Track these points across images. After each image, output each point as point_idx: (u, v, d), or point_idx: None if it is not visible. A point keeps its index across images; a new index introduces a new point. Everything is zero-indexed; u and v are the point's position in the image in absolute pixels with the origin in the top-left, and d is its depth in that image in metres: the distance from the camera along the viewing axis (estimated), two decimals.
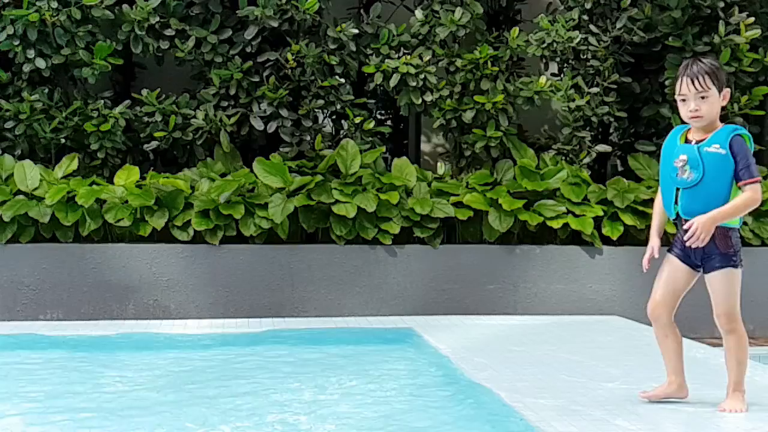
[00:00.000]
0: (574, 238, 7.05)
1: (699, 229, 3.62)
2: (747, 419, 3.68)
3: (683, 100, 3.76)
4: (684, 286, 3.85)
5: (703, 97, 3.71)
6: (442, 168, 7.38)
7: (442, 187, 7.06)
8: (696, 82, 3.71)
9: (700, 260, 3.78)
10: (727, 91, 3.77)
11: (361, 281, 6.77)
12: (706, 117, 3.72)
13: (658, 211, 3.95)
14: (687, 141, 3.79)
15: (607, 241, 7.03)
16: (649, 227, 7.04)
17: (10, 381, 4.53)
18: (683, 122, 3.84)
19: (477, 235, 7.05)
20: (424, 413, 3.92)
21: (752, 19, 7.33)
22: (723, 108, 3.86)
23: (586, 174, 7.27)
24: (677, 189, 3.75)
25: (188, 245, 6.63)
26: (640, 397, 3.92)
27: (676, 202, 3.77)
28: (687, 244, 3.68)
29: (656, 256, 3.85)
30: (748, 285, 6.98)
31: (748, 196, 3.63)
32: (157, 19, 7.06)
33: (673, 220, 3.84)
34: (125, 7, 7.06)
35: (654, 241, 3.90)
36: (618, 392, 4.13)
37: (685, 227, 3.69)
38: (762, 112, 7.49)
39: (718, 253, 3.73)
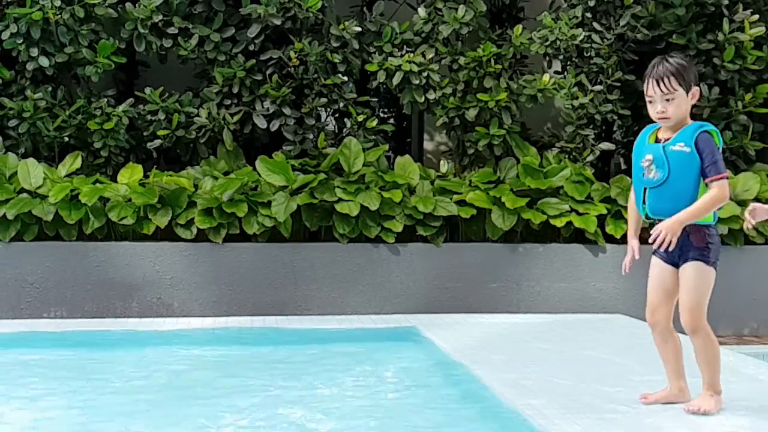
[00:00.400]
0: (578, 236, 7.05)
1: (664, 231, 3.57)
2: (752, 419, 3.67)
3: (650, 102, 3.73)
4: (674, 287, 3.79)
5: (668, 99, 3.66)
6: (445, 166, 7.37)
7: (445, 186, 7.05)
8: (661, 84, 3.66)
9: (678, 257, 3.73)
10: (696, 89, 3.71)
11: (363, 279, 6.77)
12: (672, 118, 3.68)
13: (632, 213, 3.91)
14: (657, 140, 3.76)
15: (610, 239, 7.02)
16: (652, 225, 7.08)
17: (14, 378, 4.54)
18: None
19: (480, 233, 7.05)
20: (426, 412, 3.91)
21: (756, 16, 7.32)
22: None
23: (589, 172, 7.25)
24: (645, 189, 3.73)
25: (191, 243, 6.64)
26: (641, 401, 3.88)
27: (644, 202, 3.75)
28: (654, 247, 3.64)
29: (637, 257, 3.79)
30: (752, 283, 7.04)
31: (715, 193, 3.58)
32: (160, 17, 7.06)
33: (644, 219, 3.80)
34: (128, 5, 7.06)
35: (633, 242, 3.85)
36: (621, 391, 4.12)
37: (651, 231, 3.64)
38: (766, 110, 7.47)
39: (692, 247, 3.68)
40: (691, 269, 3.68)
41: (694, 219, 3.60)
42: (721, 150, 3.67)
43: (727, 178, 3.62)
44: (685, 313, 3.67)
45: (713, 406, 3.69)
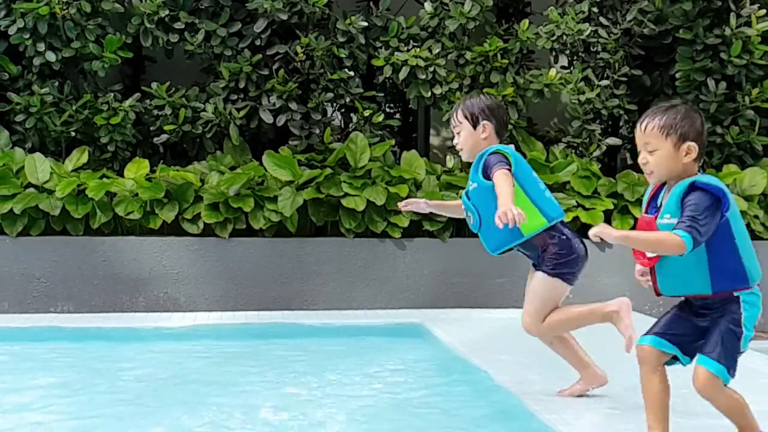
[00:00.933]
0: (584, 231, 7.02)
1: (509, 213, 3.28)
2: (758, 418, 3.66)
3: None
4: None
5: (457, 132, 3.84)
6: (451, 161, 7.37)
7: (452, 181, 7.05)
8: (451, 118, 3.87)
9: (537, 263, 3.83)
10: (485, 123, 3.76)
11: (370, 274, 6.78)
12: (464, 149, 3.84)
13: (455, 203, 4.01)
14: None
15: None
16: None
17: (19, 373, 4.55)
18: None
19: None
20: (431, 409, 3.91)
21: (764, 11, 7.30)
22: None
23: (596, 167, 7.25)
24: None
25: (198, 238, 6.65)
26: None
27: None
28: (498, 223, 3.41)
29: (408, 206, 4.02)
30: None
31: (497, 176, 3.52)
32: (167, 12, 7.07)
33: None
34: (135, 0, 7.07)
35: (419, 199, 4.05)
36: (630, 386, 4.11)
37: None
38: None
39: (545, 258, 3.79)
40: (537, 276, 3.82)
41: (503, 198, 3.39)
42: (513, 158, 3.64)
43: (507, 170, 3.55)
44: (524, 316, 3.83)
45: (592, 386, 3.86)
